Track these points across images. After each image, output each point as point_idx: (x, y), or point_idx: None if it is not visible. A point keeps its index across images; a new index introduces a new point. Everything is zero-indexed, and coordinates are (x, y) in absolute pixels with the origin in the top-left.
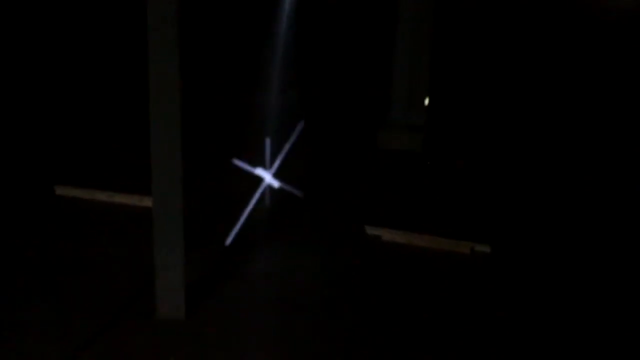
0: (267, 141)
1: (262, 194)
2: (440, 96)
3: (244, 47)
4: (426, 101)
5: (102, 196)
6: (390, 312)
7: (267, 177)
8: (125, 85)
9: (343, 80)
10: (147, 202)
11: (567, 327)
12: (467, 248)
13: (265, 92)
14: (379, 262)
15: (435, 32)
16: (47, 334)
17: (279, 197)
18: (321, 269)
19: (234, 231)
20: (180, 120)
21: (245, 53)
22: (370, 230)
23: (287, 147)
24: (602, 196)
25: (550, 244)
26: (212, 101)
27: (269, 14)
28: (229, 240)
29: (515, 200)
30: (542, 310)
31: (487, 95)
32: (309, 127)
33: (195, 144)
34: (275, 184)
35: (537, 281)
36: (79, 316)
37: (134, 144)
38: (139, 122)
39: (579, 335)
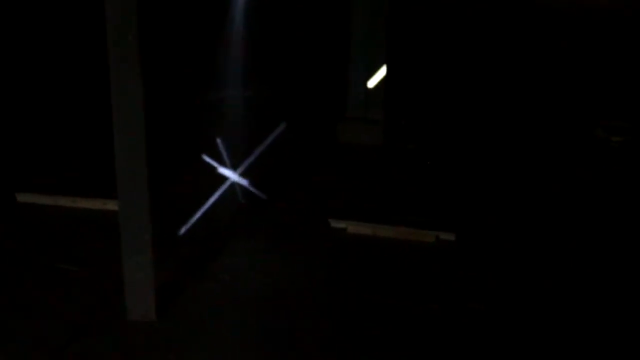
0: (219, 141)
1: (233, 192)
2: (397, 89)
3: (200, 46)
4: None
5: (65, 201)
6: (363, 304)
7: (233, 175)
8: (84, 88)
9: (300, 77)
10: (111, 205)
11: (531, 311)
12: (432, 237)
13: (223, 91)
14: (346, 255)
15: (389, 24)
16: (16, 342)
17: (247, 195)
18: (290, 264)
19: (190, 222)
20: (144, 121)
21: (202, 52)
22: (335, 224)
23: (263, 147)
24: (563, 181)
25: (513, 230)
26: (173, 101)
27: (224, 13)
28: (182, 230)
29: (477, 188)
30: (508, 296)
31: (444, 86)
32: (269, 125)
33: (161, 143)
34: (242, 182)
35: (502, 267)
36: (48, 323)
37: (95, 147)
38: (99, 125)
39: (543, 319)
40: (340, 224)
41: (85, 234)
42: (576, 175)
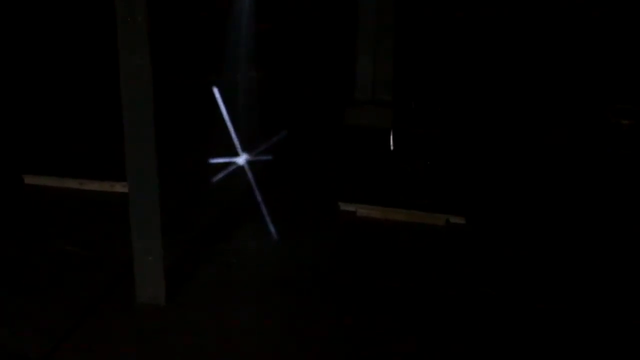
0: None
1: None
2: (407, 71)
3: (207, 26)
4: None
5: (72, 184)
6: (372, 287)
7: (241, 159)
8: (91, 70)
9: (306, 58)
10: (118, 188)
11: (541, 296)
12: (442, 220)
13: (227, 73)
14: (355, 238)
15: (398, 4)
16: (25, 326)
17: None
18: (299, 248)
19: (270, 225)
20: (153, 104)
21: (208, 32)
22: (345, 207)
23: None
24: (574, 165)
25: (522, 213)
26: (179, 82)
27: None
28: (275, 236)
29: (487, 171)
30: (518, 280)
31: (455, 69)
32: (275, 107)
33: (169, 125)
34: (248, 159)
35: (512, 250)
36: (56, 307)
37: (103, 129)
38: (106, 107)
39: (554, 304)
40: (350, 207)
41: (93, 217)
42: (586, 158)
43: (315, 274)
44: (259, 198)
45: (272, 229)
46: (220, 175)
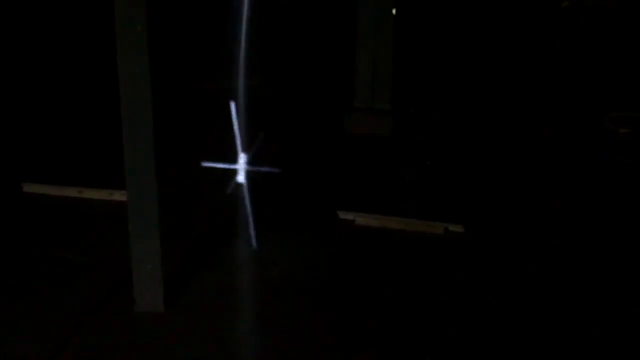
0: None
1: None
2: (406, 78)
3: (205, 34)
4: None
5: (71, 192)
6: (370, 294)
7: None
8: (89, 77)
9: (305, 65)
10: (117, 196)
11: (541, 304)
12: (440, 229)
13: (227, 80)
14: (354, 246)
15: (397, 15)
16: (23, 334)
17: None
18: (299, 256)
19: (252, 232)
20: (152, 110)
21: (206, 39)
22: (343, 215)
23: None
24: (572, 173)
25: (522, 222)
26: (177, 89)
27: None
28: (254, 243)
29: (486, 180)
30: (518, 289)
31: (454, 76)
32: (273, 114)
33: (167, 131)
34: (249, 168)
35: (511, 259)
36: (54, 314)
37: (101, 137)
38: (106, 114)
39: (554, 314)
40: (348, 216)
41: (91, 225)
42: (584, 166)
43: (311, 281)
44: (249, 207)
45: (253, 238)
46: (231, 187)
